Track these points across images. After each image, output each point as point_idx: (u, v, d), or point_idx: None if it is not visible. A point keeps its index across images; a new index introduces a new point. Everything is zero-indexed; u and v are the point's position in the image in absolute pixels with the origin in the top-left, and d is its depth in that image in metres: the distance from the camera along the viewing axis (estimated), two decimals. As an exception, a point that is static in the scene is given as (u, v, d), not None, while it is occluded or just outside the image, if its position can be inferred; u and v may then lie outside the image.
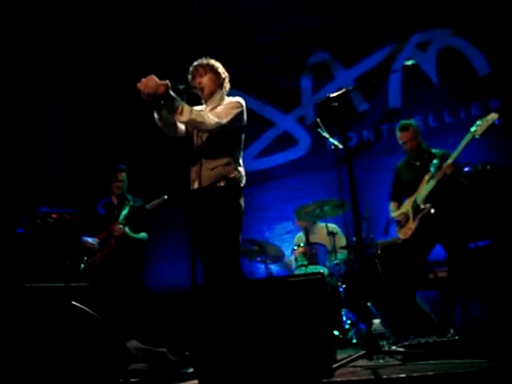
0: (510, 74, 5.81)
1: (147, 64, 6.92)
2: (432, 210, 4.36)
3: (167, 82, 3.25)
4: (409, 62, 3.84)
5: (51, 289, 4.18)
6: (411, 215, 4.51)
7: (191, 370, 3.36)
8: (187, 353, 3.75)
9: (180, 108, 3.28)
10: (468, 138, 4.22)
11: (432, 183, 4.39)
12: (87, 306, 2.78)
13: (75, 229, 4.86)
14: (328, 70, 7.10)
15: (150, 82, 3.21)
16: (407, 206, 4.60)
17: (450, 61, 6.30)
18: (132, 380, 3.21)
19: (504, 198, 4.94)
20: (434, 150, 4.67)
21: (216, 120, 3.36)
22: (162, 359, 3.77)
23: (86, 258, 4.93)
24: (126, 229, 5.06)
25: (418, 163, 4.65)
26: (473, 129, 4.21)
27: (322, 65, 7.15)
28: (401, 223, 4.61)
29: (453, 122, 6.20)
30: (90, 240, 4.96)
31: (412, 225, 4.47)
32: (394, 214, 4.70)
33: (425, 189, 4.44)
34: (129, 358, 3.50)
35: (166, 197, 5.00)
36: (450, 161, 4.29)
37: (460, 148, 4.26)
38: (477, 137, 4.19)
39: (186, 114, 3.28)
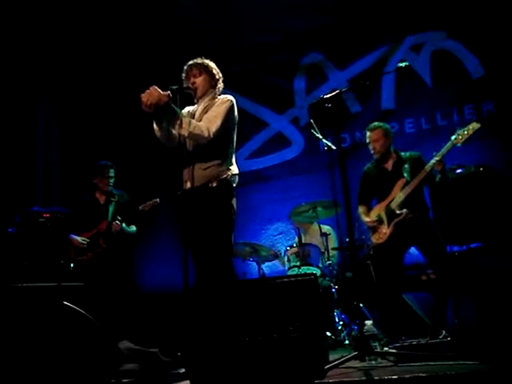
0: (503, 77, 5.84)
1: (141, 64, 6.91)
2: (409, 215, 4.35)
3: (169, 92, 3.29)
4: (402, 64, 3.84)
5: (43, 288, 4.16)
6: (385, 220, 4.49)
7: (183, 370, 3.35)
8: (179, 353, 3.74)
9: (180, 120, 3.32)
10: (448, 146, 4.23)
11: (407, 190, 4.37)
12: (79, 306, 2.76)
13: (67, 227, 4.84)
14: (322, 71, 7.12)
15: (153, 93, 3.24)
16: (379, 210, 4.57)
17: (443, 63, 6.33)
18: (124, 380, 3.19)
19: (497, 200, 4.96)
20: (402, 154, 4.63)
21: (213, 130, 3.38)
22: (154, 360, 3.76)
23: (74, 257, 4.89)
24: (123, 224, 5.01)
25: (389, 168, 4.61)
26: (453, 137, 4.23)
27: (315, 66, 7.16)
28: (374, 228, 4.58)
29: (446, 124, 6.21)
30: (78, 238, 4.91)
31: (387, 230, 4.46)
32: (367, 218, 4.63)
33: (399, 195, 4.42)
34: (120, 358, 3.49)
35: (158, 200, 4.97)
36: (433, 161, 4.26)
37: (440, 154, 4.25)
38: (458, 145, 4.20)
39: (186, 127, 3.32)
